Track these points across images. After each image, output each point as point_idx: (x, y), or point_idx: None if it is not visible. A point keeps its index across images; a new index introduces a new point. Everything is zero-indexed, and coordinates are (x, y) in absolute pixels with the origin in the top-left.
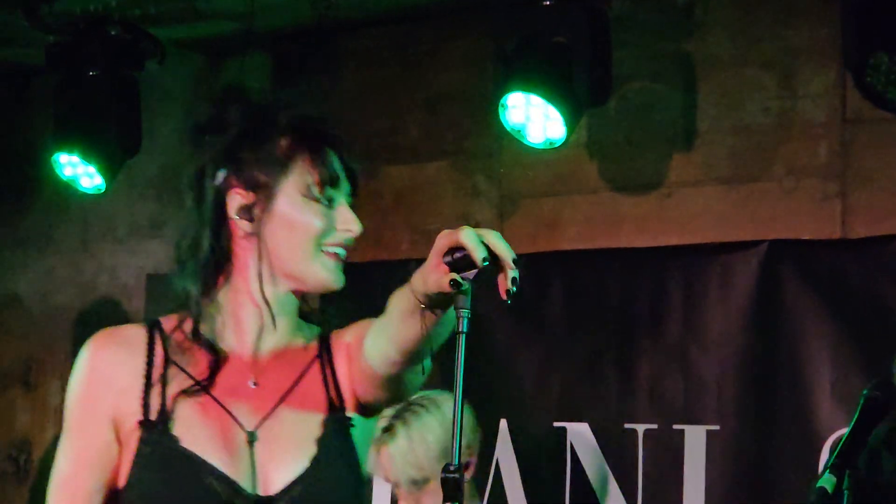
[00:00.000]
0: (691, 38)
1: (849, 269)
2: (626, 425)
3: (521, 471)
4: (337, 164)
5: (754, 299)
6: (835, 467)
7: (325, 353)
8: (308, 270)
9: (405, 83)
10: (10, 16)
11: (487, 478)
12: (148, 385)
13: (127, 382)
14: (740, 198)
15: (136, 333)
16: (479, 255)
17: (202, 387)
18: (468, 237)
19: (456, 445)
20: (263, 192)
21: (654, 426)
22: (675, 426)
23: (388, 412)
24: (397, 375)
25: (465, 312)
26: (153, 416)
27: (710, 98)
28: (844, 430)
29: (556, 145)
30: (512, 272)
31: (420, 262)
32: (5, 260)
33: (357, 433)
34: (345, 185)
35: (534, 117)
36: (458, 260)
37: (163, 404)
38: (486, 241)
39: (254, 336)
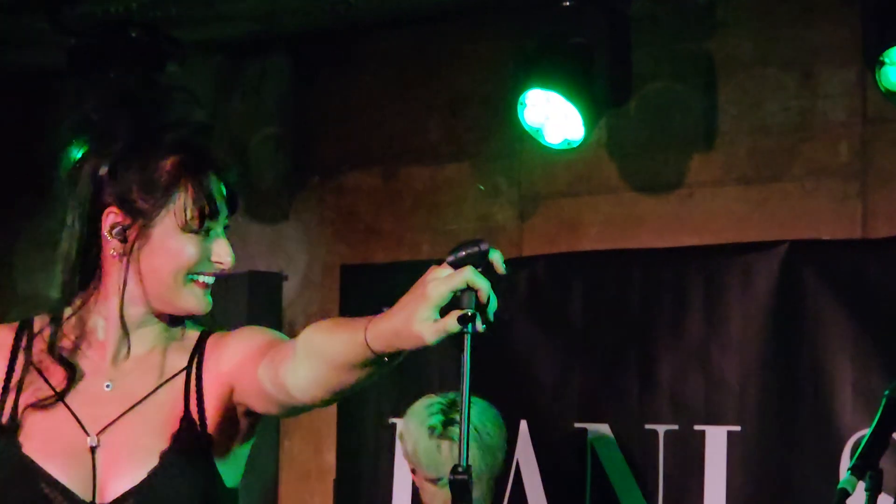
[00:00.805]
0: (711, 38)
1: (870, 270)
2: (647, 426)
3: (541, 472)
4: (218, 192)
5: (775, 300)
6: (856, 468)
7: (194, 362)
8: (176, 298)
9: (425, 84)
10: (32, 19)
11: (508, 479)
12: (6, 389)
13: None
14: (761, 198)
15: (4, 336)
16: (483, 245)
17: (54, 390)
18: (470, 276)
19: (463, 448)
20: (141, 218)
21: (675, 427)
22: (696, 427)
23: (438, 405)
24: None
25: (471, 312)
26: (4, 420)
27: (730, 98)
28: (866, 431)
29: (575, 145)
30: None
31: (441, 262)
32: (28, 260)
33: (218, 448)
34: (222, 214)
35: (553, 117)
36: (466, 257)
37: (14, 410)
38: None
39: (114, 344)
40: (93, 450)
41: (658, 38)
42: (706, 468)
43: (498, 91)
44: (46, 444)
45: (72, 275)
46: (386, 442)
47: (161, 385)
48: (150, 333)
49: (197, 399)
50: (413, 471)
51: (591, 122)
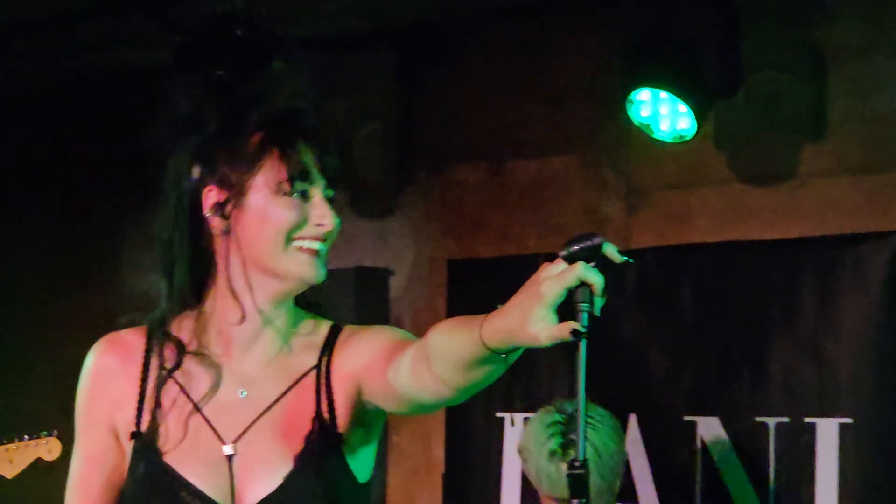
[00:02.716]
0: (820, 26)
1: None
2: (758, 419)
3: (651, 466)
4: (309, 158)
5: (887, 290)
6: None
7: (324, 361)
8: (279, 265)
9: (530, 77)
10: (138, 18)
11: None
12: (142, 395)
13: (124, 391)
14: (873, 188)
15: (135, 339)
16: (597, 239)
17: (190, 399)
18: (583, 272)
19: (581, 441)
20: (235, 188)
21: (786, 419)
22: (807, 419)
23: (556, 426)
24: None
25: (585, 307)
26: (144, 427)
27: (840, 87)
28: None
29: (686, 139)
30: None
31: (548, 256)
32: (135, 260)
33: (351, 445)
34: (319, 179)
35: (662, 111)
36: (580, 251)
37: (153, 416)
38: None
39: (243, 344)
40: (229, 458)
41: (766, 27)
42: (818, 461)
43: (604, 83)
44: (184, 452)
45: (189, 268)
46: (495, 436)
47: (292, 387)
48: (277, 330)
49: (328, 398)
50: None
51: (699, 115)
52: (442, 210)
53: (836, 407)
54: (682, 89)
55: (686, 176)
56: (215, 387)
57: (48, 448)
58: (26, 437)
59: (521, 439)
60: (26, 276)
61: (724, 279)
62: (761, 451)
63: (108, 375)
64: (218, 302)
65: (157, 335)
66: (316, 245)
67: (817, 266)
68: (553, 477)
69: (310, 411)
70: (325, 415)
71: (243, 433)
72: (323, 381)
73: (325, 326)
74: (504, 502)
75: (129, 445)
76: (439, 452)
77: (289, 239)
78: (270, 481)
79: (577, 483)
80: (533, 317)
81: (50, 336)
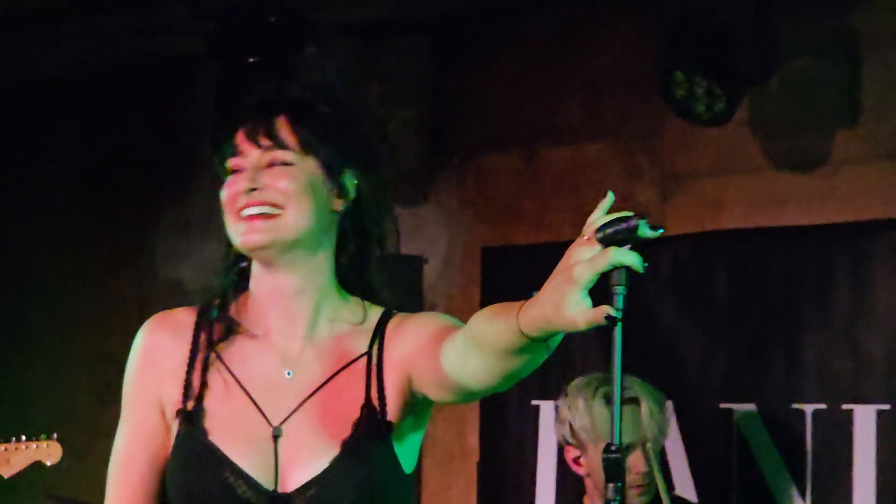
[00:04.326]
0: (854, 12)
1: None
2: (794, 405)
3: (687, 453)
4: (244, 133)
5: None
6: None
7: (375, 346)
8: (232, 240)
9: (564, 64)
10: (171, 5)
11: None
12: (190, 373)
13: (172, 368)
14: None
15: (186, 318)
16: (633, 221)
17: (236, 378)
18: (616, 257)
19: (616, 427)
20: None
21: (823, 406)
22: (844, 406)
23: (596, 384)
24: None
25: (620, 290)
26: (190, 405)
27: (875, 73)
28: None
29: (720, 124)
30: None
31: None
32: (169, 247)
33: (399, 434)
34: (249, 150)
35: (697, 96)
36: (615, 234)
37: (199, 395)
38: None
39: (283, 324)
40: (275, 439)
41: (800, 13)
42: (855, 448)
43: (638, 70)
44: (230, 432)
45: (226, 254)
46: (529, 424)
47: (340, 370)
48: (318, 311)
49: (378, 385)
50: (579, 448)
51: (734, 101)
52: (476, 197)
53: (873, 394)
54: (716, 73)
55: (720, 162)
56: (261, 367)
57: (48, 452)
58: (24, 437)
59: (562, 403)
60: (59, 265)
61: (759, 266)
62: (798, 439)
63: (157, 353)
64: (253, 281)
65: (208, 314)
66: (251, 209)
67: (852, 252)
68: (605, 417)
69: (359, 397)
70: (375, 402)
71: (290, 415)
72: (374, 368)
73: (375, 313)
74: (539, 490)
75: (174, 423)
76: (474, 440)
77: (236, 213)
78: (316, 465)
79: (614, 467)
80: (567, 302)
81: (83, 324)
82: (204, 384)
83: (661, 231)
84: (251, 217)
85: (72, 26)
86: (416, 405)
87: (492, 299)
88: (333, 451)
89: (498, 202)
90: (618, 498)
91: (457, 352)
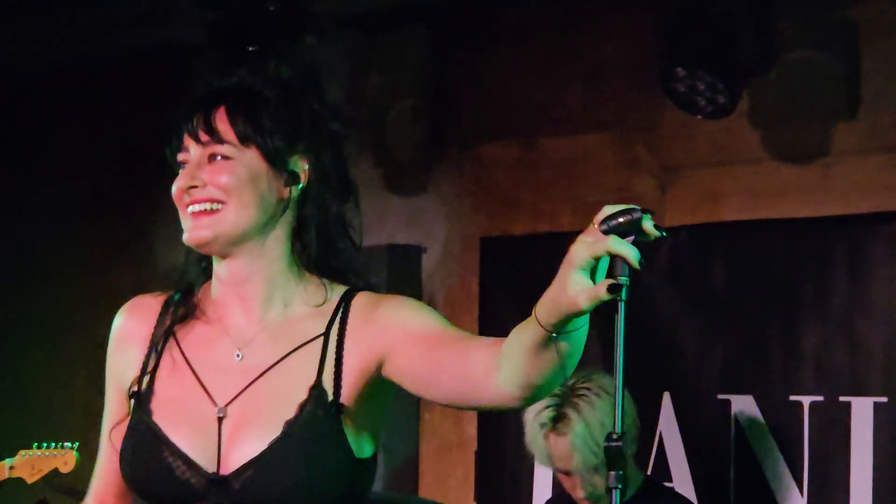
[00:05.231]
0: (854, 4)
1: None
2: (792, 397)
3: (684, 444)
4: (188, 125)
5: None
6: None
7: (336, 326)
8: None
9: (564, 55)
10: None
11: (651, 451)
12: (148, 356)
13: (134, 354)
14: None
15: (155, 303)
16: (636, 213)
17: (187, 360)
18: (612, 245)
19: (618, 413)
20: None
21: (820, 398)
22: (842, 398)
23: (552, 399)
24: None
25: (624, 280)
26: (143, 387)
27: (874, 66)
28: None
29: (720, 117)
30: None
31: (581, 234)
32: (168, 235)
33: (351, 417)
34: (192, 143)
35: (697, 88)
36: (618, 225)
37: (151, 379)
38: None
39: (238, 307)
40: (220, 420)
41: (800, 5)
42: (852, 440)
43: (637, 61)
44: (174, 413)
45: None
46: None
47: (291, 352)
48: (273, 293)
49: (335, 365)
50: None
51: (734, 93)
52: (474, 187)
53: (870, 386)
54: (716, 65)
55: (719, 154)
56: (213, 350)
57: (64, 460)
58: (45, 444)
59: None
60: (58, 254)
61: (757, 257)
62: (795, 430)
63: (124, 338)
64: (213, 269)
65: (171, 299)
66: (195, 207)
67: (850, 244)
68: (541, 448)
69: (309, 379)
70: (328, 384)
71: (236, 397)
72: (332, 349)
73: (337, 293)
74: (536, 480)
75: (129, 404)
76: (472, 430)
77: (183, 209)
78: (256, 445)
79: (614, 455)
80: (569, 281)
81: (81, 313)
82: (156, 367)
83: (664, 234)
84: (195, 214)
85: (72, 15)
86: (377, 388)
87: (490, 289)
88: (275, 432)
89: (497, 192)
90: (619, 486)
91: (508, 366)
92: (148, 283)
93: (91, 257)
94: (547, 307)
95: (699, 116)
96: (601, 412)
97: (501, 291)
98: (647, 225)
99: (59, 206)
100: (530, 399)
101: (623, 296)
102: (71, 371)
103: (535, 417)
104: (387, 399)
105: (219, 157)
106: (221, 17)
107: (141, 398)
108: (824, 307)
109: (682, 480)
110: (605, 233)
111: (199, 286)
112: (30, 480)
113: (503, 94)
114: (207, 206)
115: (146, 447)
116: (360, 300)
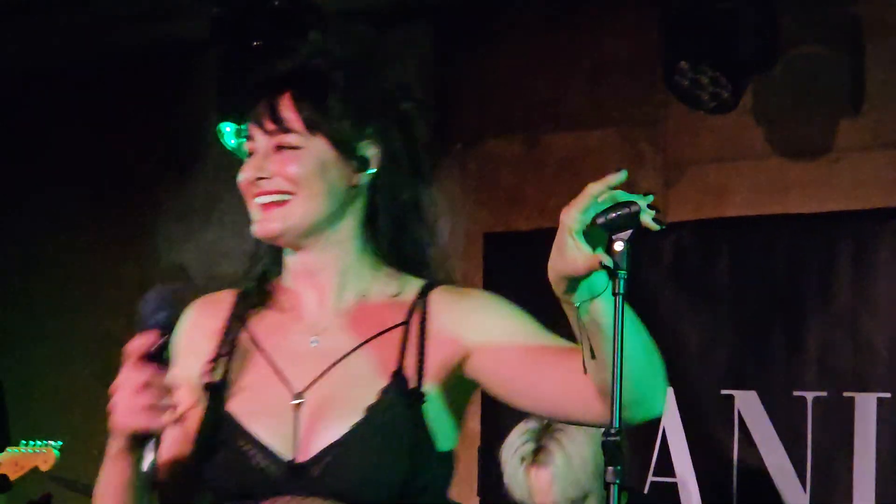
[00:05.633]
0: (858, 1)
1: None
2: (795, 393)
3: (688, 439)
4: (257, 114)
5: None
6: None
7: (417, 317)
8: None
9: (567, 51)
10: None
11: (654, 446)
12: (220, 347)
13: (205, 346)
14: None
15: (225, 298)
16: (634, 207)
17: (262, 349)
18: (593, 188)
19: (616, 408)
20: None
21: (824, 394)
22: (846, 394)
23: (531, 433)
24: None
25: (622, 273)
26: (217, 377)
27: (878, 61)
28: None
29: (723, 112)
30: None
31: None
32: (171, 232)
33: (433, 408)
34: (259, 133)
35: (700, 84)
36: (617, 218)
37: (226, 368)
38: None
39: (309, 296)
40: (297, 407)
41: (804, 1)
42: (855, 435)
43: (641, 57)
44: (251, 401)
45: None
46: None
47: (370, 339)
48: (345, 281)
49: (417, 355)
50: None
51: (738, 89)
52: (478, 183)
53: (874, 382)
54: (720, 60)
55: (723, 150)
56: (288, 337)
57: (44, 458)
58: (29, 442)
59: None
60: (63, 249)
61: (761, 253)
62: (799, 426)
63: (192, 332)
64: (285, 260)
65: (245, 291)
66: (261, 198)
67: (854, 240)
68: (521, 483)
69: (391, 365)
70: (409, 371)
71: (313, 383)
72: (414, 339)
73: (414, 284)
74: None
75: (202, 396)
76: (475, 425)
77: (250, 200)
78: (336, 430)
79: (612, 450)
80: (565, 246)
81: (86, 306)
82: (231, 357)
83: (664, 227)
84: (264, 206)
85: (75, 12)
86: (458, 384)
87: (494, 285)
88: (356, 416)
89: (500, 188)
90: (617, 481)
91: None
92: (150, 281)
93: (92, 256)
94: (554, 277)
95: (702, 111)
96: (582, 445)
97: (505, 287)
98: (646, 218)
99: (60, 205)
100: (633, 406)
101: (621, 289)
102: (75, 363)
103: (514, 453)
104: (467, 398)
105: (286, 147)
106: (224, 12)
107: (215, 389)
108: (828, 303)
109: (685, 475)
110: (601, 227)
111: (273, 276)
112: (13, 477)
113: (507, 89)
114: (276, 197)
115: (222, 436)
116: (443, 293)
